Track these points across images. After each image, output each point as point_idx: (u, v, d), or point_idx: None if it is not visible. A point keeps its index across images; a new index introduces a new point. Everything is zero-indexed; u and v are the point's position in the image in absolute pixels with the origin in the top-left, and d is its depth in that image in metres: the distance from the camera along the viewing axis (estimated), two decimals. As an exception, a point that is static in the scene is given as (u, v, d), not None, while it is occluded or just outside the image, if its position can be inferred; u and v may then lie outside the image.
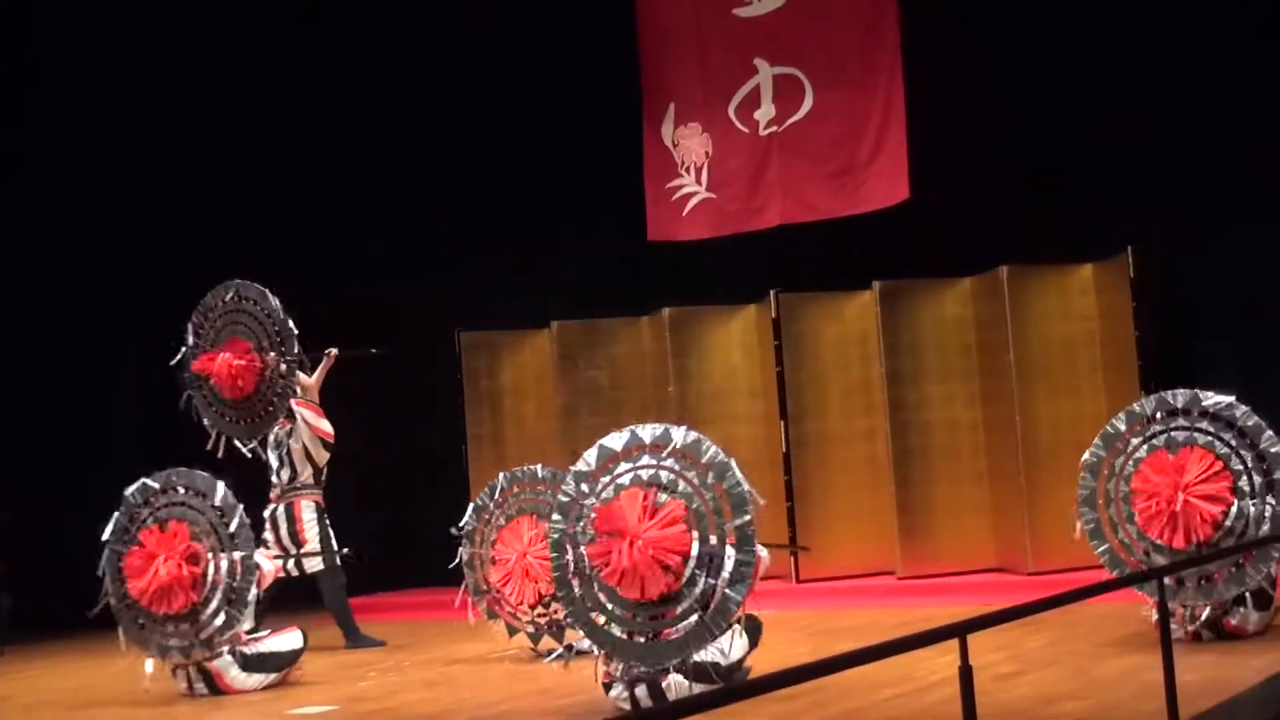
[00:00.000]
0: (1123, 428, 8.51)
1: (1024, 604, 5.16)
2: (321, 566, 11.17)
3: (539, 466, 10.05)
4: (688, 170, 13.47)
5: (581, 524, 7.32)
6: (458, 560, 10.24)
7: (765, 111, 13.10)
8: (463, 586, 10.24)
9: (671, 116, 13.60)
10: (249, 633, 9.24)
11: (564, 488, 7.47)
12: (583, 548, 7.27)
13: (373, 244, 14.52)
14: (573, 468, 7.50)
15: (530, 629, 9.90)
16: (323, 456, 11.20)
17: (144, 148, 14.64)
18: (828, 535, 12.45)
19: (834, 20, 12.80)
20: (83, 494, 14.11)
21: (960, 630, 4.54)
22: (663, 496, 7.18)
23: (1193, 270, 11.71)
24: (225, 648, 9.02)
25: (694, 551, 7.11)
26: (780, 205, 13.02)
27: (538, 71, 13.97)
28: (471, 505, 10.26)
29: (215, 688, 9.11)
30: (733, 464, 7.20)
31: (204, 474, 9.25)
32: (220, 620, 8.95)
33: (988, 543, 12.09)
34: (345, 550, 11.24)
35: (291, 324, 10.75)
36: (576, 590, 7.32)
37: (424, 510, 14.00)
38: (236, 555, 9.00)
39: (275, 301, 10.82)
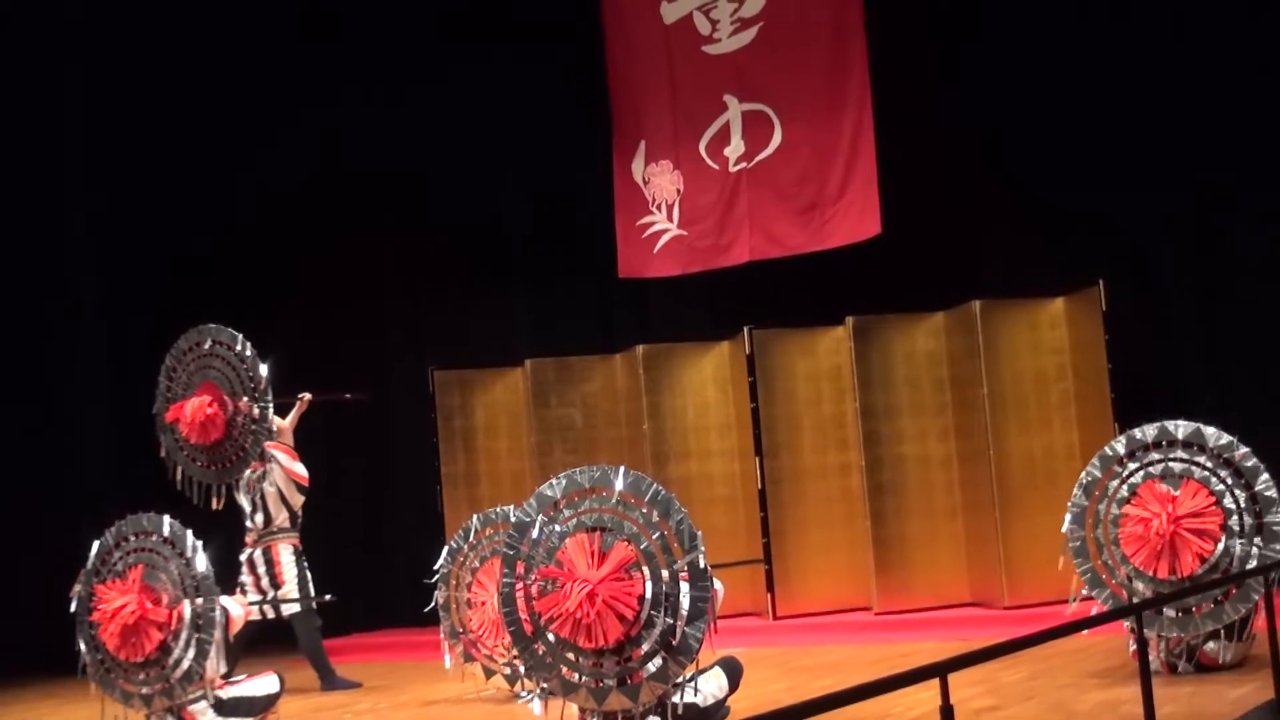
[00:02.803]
0: (1121, 450, 8.51)
1: (1007, 641, 5.13)
2: (298, 609, 11.11)
3: (511, 507, 9.97)
4: (659, 207, 13.48)
5: (529, 576, 7.10)
6: (433, 604, 10.14)
7: (735, 148, 13.13)
8: (441, 630, 10.15)
9: (642, 154, 13.62)
10: (224, 677, 9.15)
11: (507, 540, 7.26)
12: (533, 602, 7.07)
13: (345, 281, 14.48)
14: (513, 518, 7.31)
15: (507, 670, 9.82)
16: (297, 500, 11.17)
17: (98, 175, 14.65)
18: (803, 570, 12.44)
19: (802, 56, 12.84)
20: (42, 535, 14.16)
21: (941, 670, 4.51)
22: (609, 539, 7.01)
23: (1164, 302, 11.78)
24: (197, 693, 8.93)
25: (648, 593, 6.92)
26: (749, 241, 13.04)
27: (510, 108, 13.99)
28: (446, 548, 10.17)
29: None
30: (674, 500, 7.03)
31: (171, 520, 9.13)
32: (184, 668, 8.83)
33: (963, 577, 12.08)
34: (328, 596, 11.18)
35: (264, 368, 10.72)
36: (535, 645, 7.13)
37: (397, 550, 13.97)
38: (200, 601, 8.89)
39: (248, 347, 10.80)
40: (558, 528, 7.12)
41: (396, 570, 14.00)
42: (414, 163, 14.35)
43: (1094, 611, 7.81)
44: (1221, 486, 8.21)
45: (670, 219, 13.42)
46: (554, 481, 7.23)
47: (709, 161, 13.27)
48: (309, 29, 14.58)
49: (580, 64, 13.75)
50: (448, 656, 10.12)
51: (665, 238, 13.44)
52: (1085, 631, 5.89)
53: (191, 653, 8.77)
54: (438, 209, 14.28)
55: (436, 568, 10.11)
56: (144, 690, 8.86)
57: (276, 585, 11.09)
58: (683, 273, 13.32)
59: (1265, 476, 8.19)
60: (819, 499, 12.60)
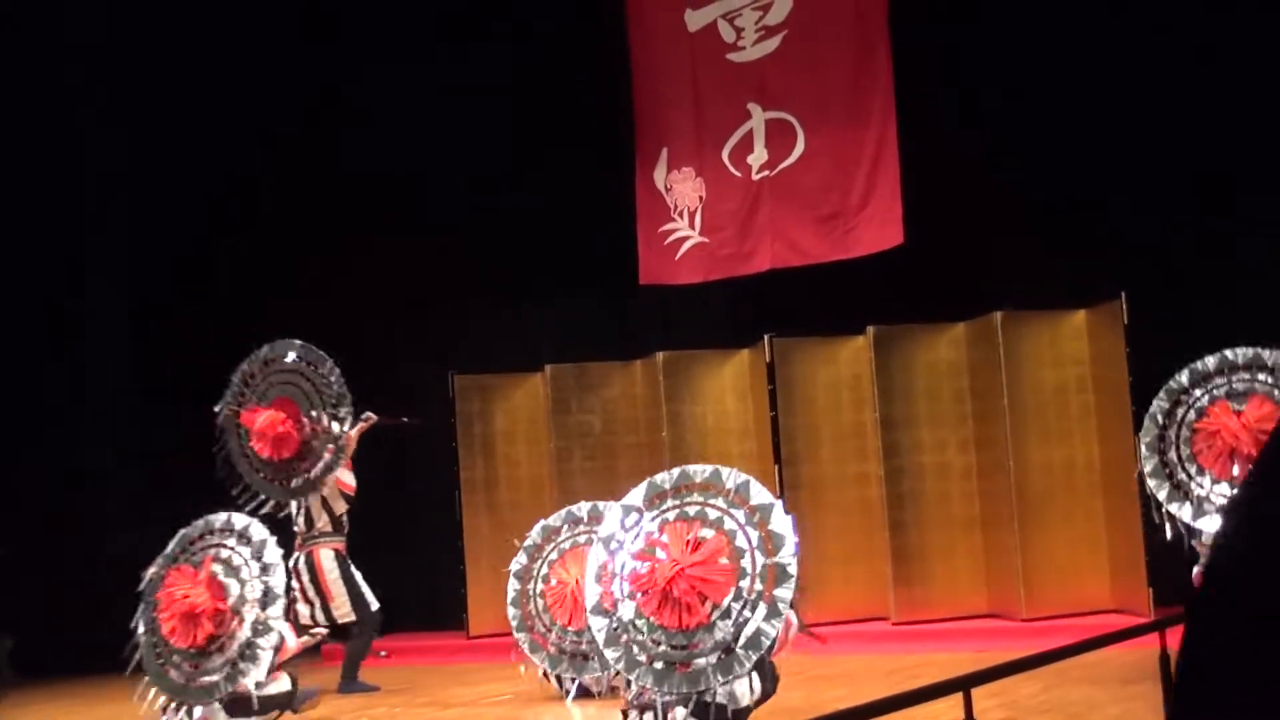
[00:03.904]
0: (1186, 382, 8.87)
1: (1034, 655, 5.13)
2: (353, 617, 11.12)
3: (596, 503, 10.04)
4: (680, 214, 13.49)
5: (624, 555, 7.47)
6: (512, 567, 10.22)
7: (758, 156, 13.13)
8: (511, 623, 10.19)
9: (664, 161, 13.63)
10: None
11: (607, 522, 7.71)
12: (624, 576, 7.43)
13: (366, 287, 14.50)
14: (620, 503, 7.70)
15: (554, 654, 9.86)
16: (340, 506, 11.19)
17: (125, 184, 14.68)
18: (821, 579, 12.41)
19: (826, 65, 12.84)
20: (64, 539, 14.20)
21: (964, 684, 4.50)
22: (706, 532, 7.33)
23: (1186, 315, 11.73)
24: (218, 698, 8.93)
25: (734, 584, 7.24)
26: (771, 249, 13.03)
27: (531, 114, 14.00)
28: (540, 524, 10.29)
29: None
30: (778, 505, 7.41)
31: (260, 526, 9.15)
32: (228, 670, 8.84)
33: (981, 589, 12.06)
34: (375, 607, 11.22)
35: (348, 396, 10.83)
36: (612, 618, 7.45)
37: (415, 554, 13.98)
38: (265, 612, 8.93)
39: (334, 370, 10.91)
40: (660, 515, 7.51)
41: (414, 575, 14.01)
42: (435, 167, 14.36)
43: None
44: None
45: (692, 226, 13.43)
46: (666, 474, 7.68)
47: (731, 169, 13.27)
48: (328, 34, 14.62)
49: (603, 70, 13.75)
50: (514, 655, 10.19)
51: (687, 245, 13.44)
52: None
53: (241, 659, 8.79)
54: (459, 214, 14.28)
55: (530, 534, 10.21)
56: (184, 680, 8.86)
57: (322, 594, 11.08)
58: (704, 280, 13.32)
59: None
60: (837, 508, 12.58)
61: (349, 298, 14.46)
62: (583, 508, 10.08)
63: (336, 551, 11.18)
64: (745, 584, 7.24)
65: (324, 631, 10.57)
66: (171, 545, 9.16)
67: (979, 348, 12.06)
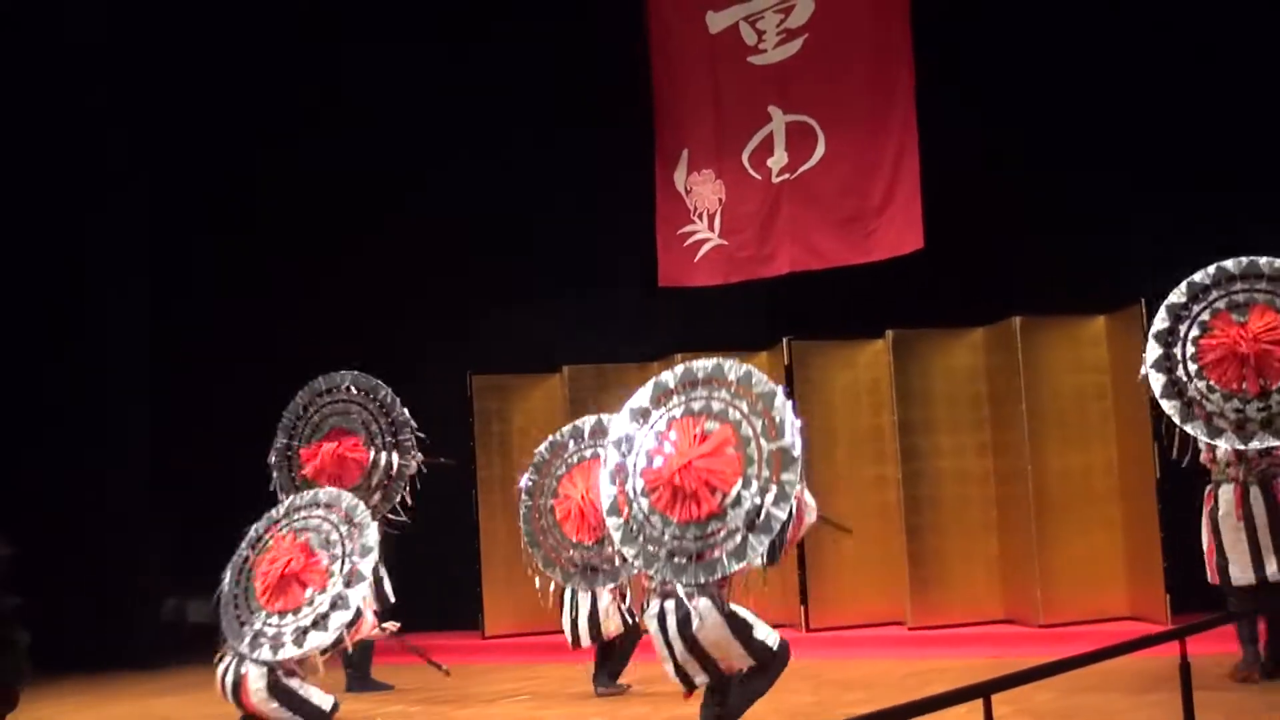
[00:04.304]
0: (1184, 298, 8.84)
1: (1057, 660, 5.11)
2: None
3: (601, 416, 10.11)
4: (700, 216, 13.48)
5: (635, 455, 7.61)
6: (522, 484, 10.36)
7: (778, 159, 13.12)
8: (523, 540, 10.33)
9: (685, 162, 13.62)
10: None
11: (617, 421, 7.82)
12: (636, 475, 7.57)
13: (384, 285, 14.51)
14: (628, 405, 7.81)
15: (568, 568, 10.02)
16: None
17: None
18: (838, 583, 12.41)
19: (847, 68, 12.82)
20: (81, 535, 14.23)
21: (985, 690, 4.49)
22: (711, 425, 7.47)
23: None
24: (283, 655, 8.94)
25: (742, 473, 7.36)
26: (790, 252, 13.02)
27: (551, 116, 14.01)
28: (549, 439, 10.39)
29: (238, 695, 9.01)
30: (780, 392, 7.50)
31: (365, 510, 9.30)
32: (293, 636, 8.86)
33: (998, 594, 12.03)
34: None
35: (411, 422, 10.96)
36: (626, 515, 7.60)
37: (431, 553, 13.97)
38: (345, 589, 8.95)
39: (390, 394, 11.16)
40: (667, 413, 7.66)
41: (429, 573, 14.01)
42: (454, 167, 14.36)
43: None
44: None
45: (711, 228, 13.42)
46: (670, 372, 7.78)
47: (751, 172, 13.26)
48: (337, 32, 14.64)
49: (624, 71, 13.74)
50: (530, 569, 10.34)
51: (706, 247, 13.44)
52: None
53: (314, 628, 8.84)
54: (478, 214, 14.28)
55: (538, 451, 10.35)
56: (259, 638, 8.92)
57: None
58: (723, 283, 13.31)
59: None
60: (854, 512, 12.48)
61: (367, 298, 14.47)
62: (587, 422, 10.20)
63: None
64: (753, 471, 7.35)
65: (395, 627, 10.59)
66: (277, 509, 9.37)
67: (998, 353, 12.03)
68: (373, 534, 9.12)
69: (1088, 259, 12.04)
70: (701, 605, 7.42)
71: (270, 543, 9.16)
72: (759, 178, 13.22)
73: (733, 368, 7.65)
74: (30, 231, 14.59)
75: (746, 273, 13.22)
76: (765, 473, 7.35)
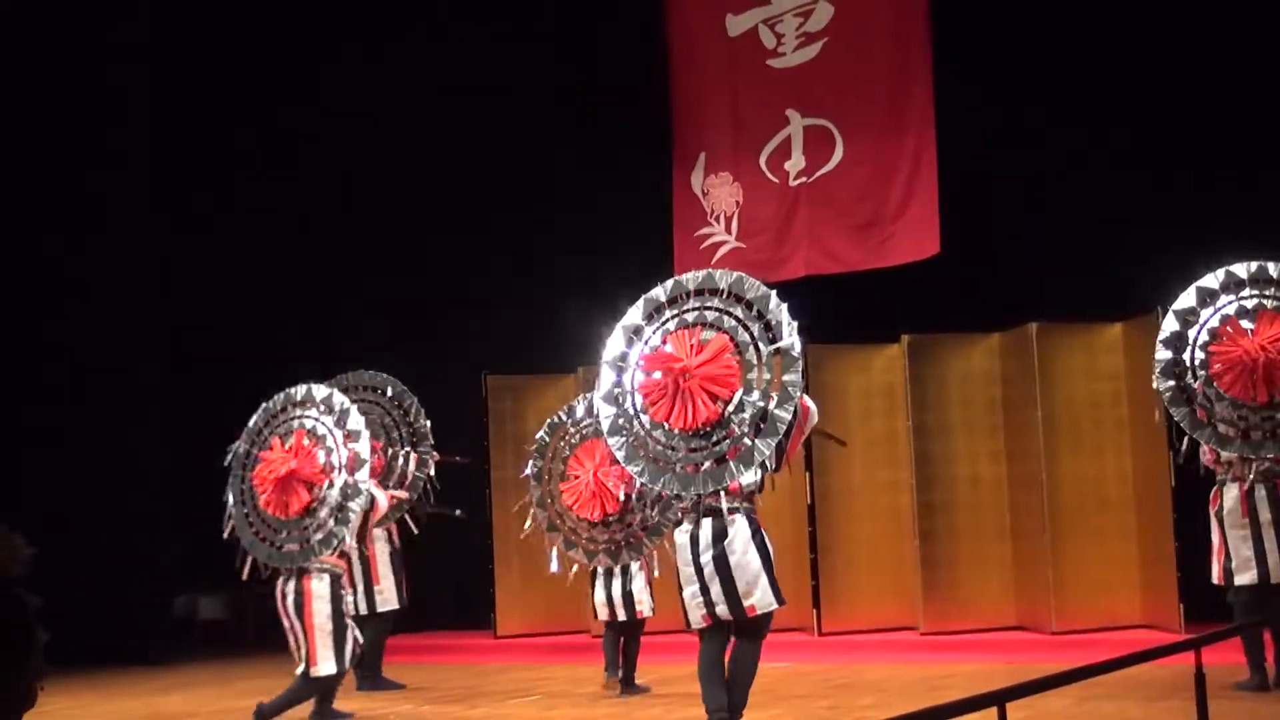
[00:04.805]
0: (1193, 302, 8.85)
1: (1070, 670, 5.09)
2: (395, 605, 11.28)
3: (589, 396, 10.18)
4: (717, 219, 13.48)
5: (629, 374, 7.59)
6: (528, 471, 10.46)
7: (795, 162, 13.12)
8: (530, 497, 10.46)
9: (702, 165, 13.63)
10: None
11: (610, 341, 7.76)
12: (635, 392, 7.54)
13: (400, 285, 14.53)
14: (620, 323, 7.78)
15: (589, 548, 10.13)
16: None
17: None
18: (851, 588, 12.39)
19: (866, 73, 12.83)
20: (106, 527, 14.25)
21: (999, 698, 4.46)
22: (707, 334, 7.42)
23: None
24: (326, 565, 9.01)
25: (742, 377, 7.33)
26: (806, 256, 13.03)
27: (569, 116, 14.01)
28: (548, 422, 10.50)
29: (300, 611, 9.05)
30: (773, 295, 7.47)
31: (340, 395, 9.38)
32: (321, 535, 8.96)
33: (1011, 600, 12.01)
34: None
35: (424, 418, 11.29)
36: (629, 435, 7.56)
37: (444, 553, 13.98)
38: (351, 477, 9.03)
39: (405, 393, 11.39)
40: (661, 327, 7.62)
41: (443, 573, 14.04)
42: (470, 167, 14.38)
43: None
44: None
45: (729, 231, 13.42)
46: (661, 286, 7.77)
47: (769, 175, 13.26)
48: (363, 28, 14.66)
49: (642, 73, 13.75)
50: (529, 524, 10.43)
51: (723, 250, 13.44)
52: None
53: (334, 521, 8.93)
54: (495, 215, 14.30)
55: (538, 436, 10.46)
56: (284, 547, 9.02)
57: (370, 581, 11.21)
58: (739, 285, 13.29)
59: None
60: (868, 516, 12.54)
61: (382, 297, 14.49)
62: (581, 402, 10.31)
63: (389, 532, 11.28)
64: (753, 376, 7.32)
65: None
66: (255, 419, 9.38)
67: (1014, 359, 12.01)
68: (356, 416, 9.18)
69: (1105, 265, 12.02)
70: (738, 521, 7.44)
71: (259, 456, 9.21)
72: (776, 181, 13.22)
73: (723, 276, 7.64)
74: (35, 230, 14.62)
75: (762, 276, 12.94)
76: (766, 375, 7.33)
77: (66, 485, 14.09)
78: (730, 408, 7.31)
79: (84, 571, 13.48)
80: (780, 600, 7.56)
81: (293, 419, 9.28)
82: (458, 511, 12.17)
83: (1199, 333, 8.77)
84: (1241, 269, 8.76)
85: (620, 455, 7.66)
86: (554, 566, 10.44)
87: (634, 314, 7.74)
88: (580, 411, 10.26)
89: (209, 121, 14.92)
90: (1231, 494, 8.90)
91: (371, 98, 14.65)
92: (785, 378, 7.29)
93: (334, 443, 9.09)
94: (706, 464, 7.36)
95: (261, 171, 14.84)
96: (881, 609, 12.36)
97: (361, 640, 9.35)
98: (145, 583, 14.54)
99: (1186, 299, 8.85)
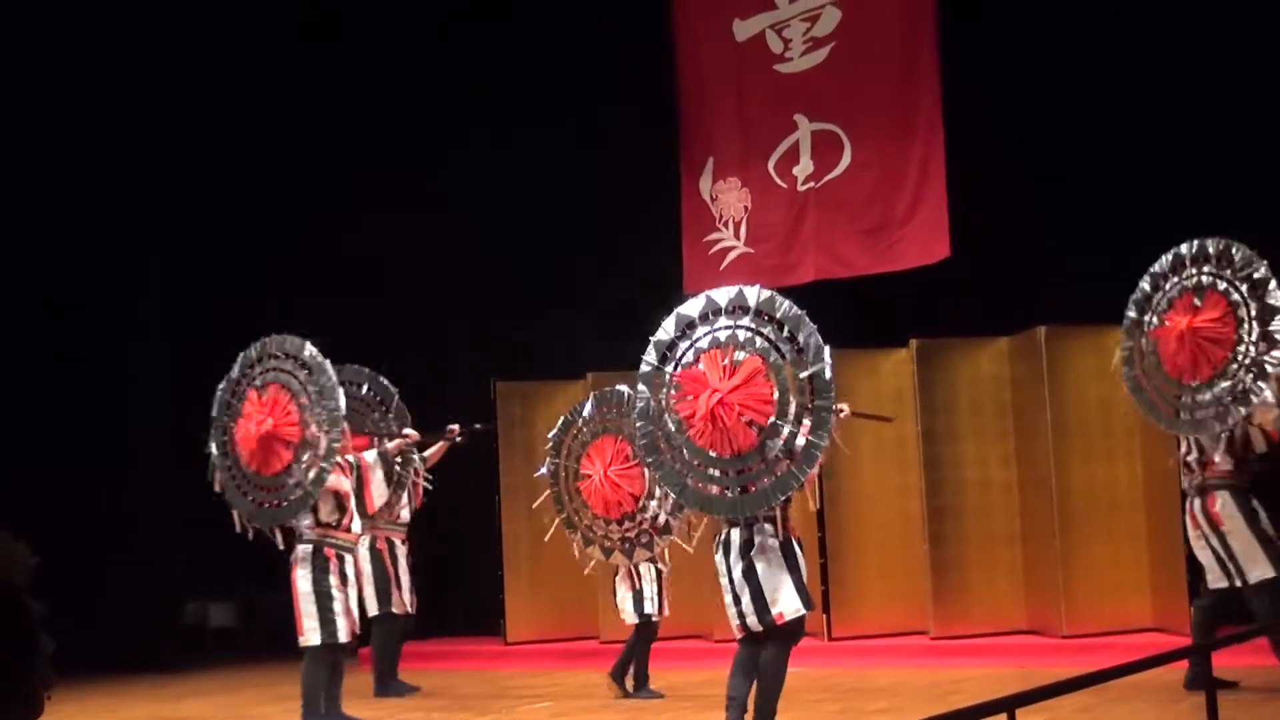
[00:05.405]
0: (1148, 288, 8.95)
1: (1081, 675, 5.08)
2: (376, 611, 11.22)
3: (625, 388, 10.13)
4: (726, 224, 13.49)
5: (665, 392, 7.52)
6: (543, 469, 10.48)
7: (804, 167, 13.12)
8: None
9: (710, 170, 13.64)
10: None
11: (645, 358, 7.66)
12: (670, 412, 7.49)
13: (409, 290, 14.55)
14: (652, 337, 7.69)
15: (606, 544, 10.14)
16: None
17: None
18: (861, 593, 12.38)
19: (874, 77, 12.82)
20: (118, 535, 14.27)
21: (1010, 704, 4.46)
22: (740, 354, 7.35)
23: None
24: (305, 522, 9.05)
25: (775, 400, 7.27)
26: (815, 261, 13.02)
27: (577, 121, 14.02)
28: (562, 419, 10.49)
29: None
30: (805, 317, 7.40)
31: (311, 347, 9.29)
32: (301, 491, 8.95)
33: (1021, 604, 12.00)
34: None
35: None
36: (666, 455, 7.53)
37: (454, 559, 14.00)
38: (331, 432, 8.98)
39: (381, 389, 11.29)
40: (693, 345, 7.53)
41: (453, 579, 14.04)
42: (479, 173, 14.39)
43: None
44: (1238, 297, 8.55)
45: (737, 236, 13.43)
46: (693, 301, 7.66)
47: (777, 180, 13.26)
48: (388, 57, 14.67)
49: (650, 79, 13.76)
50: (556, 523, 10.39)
51: (732, 255, 13.44)
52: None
53: (311, 475, 8.90)
54: (502, 220, 14.31)
55: (550, 435, 10.46)
56: (262, 503, 9.04)
57: (388, 582, 11.24)
58: (748, 290, 13.27)
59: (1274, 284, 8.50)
60: (877, 521, 12.53)
61: (392, 303, 14.51)
62: (615, 392, 10.25)
63: (373, 545, 11.26)
64: (787, 400, 7.27)
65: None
66: (235, 369, 9.34)
67: (1022, 362, 12.01)
68: (328, 372, 9.09)
69: (1113, 268, 11.98)
70: (766, 529, 7.45)
71: (241, 405, 9.17)
72: (784, 186, 13.22)
73: (755, 293, 7.56)
74: (39, 236, 14.64)
75: (771, 281, 13.09)
76: (800, 400, 7.29)
77: (77, 491, 14.11)
78: (765, 434, 7.29)
79: (95, 579, 13.51)
80: (809, 605, 7.57)
81: (268, 370, 9.22)
82: (478, 426, 12.08)
83: (1151, 318, 8.84)
84: (1186, 249, 8.87)
85: (658, 475, 7.72)
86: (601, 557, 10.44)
87: (666, 330, 7.68)
88: (589, 409, 10.25)
89: (211, 124, 14.92)
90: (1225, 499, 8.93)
91: (378, 102, 14.65)
92: (818, 403, 7.27)
93: (308, 401, 9.01)
94: (741, 489, 7.37)
95: (269, 176, 14.83)
96: (891, 614, 12.35)
97: (354, 621, 9.27)
98: (156, 590, 14.56)
99: (1144, 285, 9.01)
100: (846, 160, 12.93)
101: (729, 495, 7.42)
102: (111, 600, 13.92)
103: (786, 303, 7.48)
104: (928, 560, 11.97)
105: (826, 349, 7.33)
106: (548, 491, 10.47)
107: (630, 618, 10.32)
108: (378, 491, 10.26)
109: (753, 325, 7.45)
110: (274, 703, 9.24)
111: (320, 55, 14.67)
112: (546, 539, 10.62)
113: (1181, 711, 7.96)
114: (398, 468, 10.87)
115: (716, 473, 7.45)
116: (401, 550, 11.37)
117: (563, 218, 14.04)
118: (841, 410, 7.79)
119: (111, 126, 14.73)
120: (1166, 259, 8.98)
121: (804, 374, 7.27)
